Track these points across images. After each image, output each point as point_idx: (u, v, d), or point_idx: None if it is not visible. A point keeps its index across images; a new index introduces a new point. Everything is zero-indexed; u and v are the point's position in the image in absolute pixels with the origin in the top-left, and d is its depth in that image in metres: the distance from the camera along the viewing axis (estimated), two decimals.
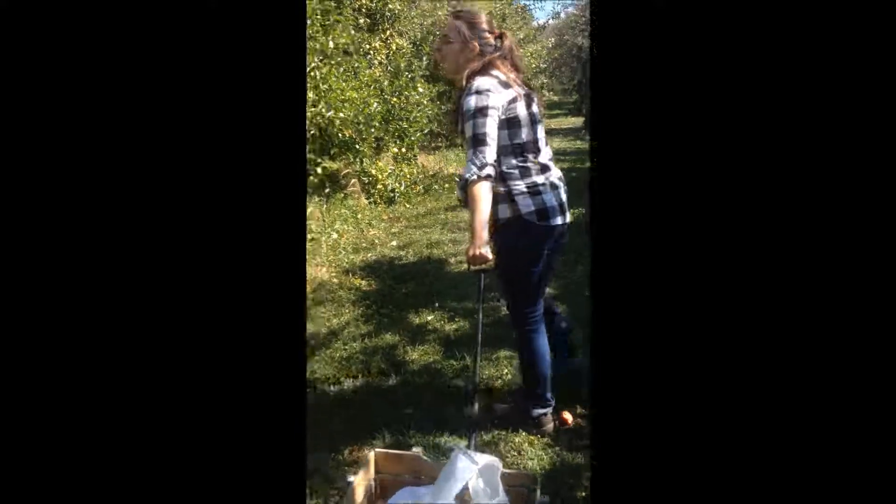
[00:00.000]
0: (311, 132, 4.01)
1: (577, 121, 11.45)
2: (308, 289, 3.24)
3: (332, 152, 4.76)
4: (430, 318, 2.79)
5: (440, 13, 7.59)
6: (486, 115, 1.51)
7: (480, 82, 1.55)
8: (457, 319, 2.74)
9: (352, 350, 2.47)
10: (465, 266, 1.61)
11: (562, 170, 1.77)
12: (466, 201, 1.54)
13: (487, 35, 1.64)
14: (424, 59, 7.05)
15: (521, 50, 9.88)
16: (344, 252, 3.90)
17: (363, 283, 3.33)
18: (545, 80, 11.11)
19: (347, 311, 2.92)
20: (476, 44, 1.61)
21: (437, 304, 2.92)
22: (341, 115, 4.44)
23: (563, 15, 11.03)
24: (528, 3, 10.40)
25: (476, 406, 1.69)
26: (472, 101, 1.52)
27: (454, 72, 1.65)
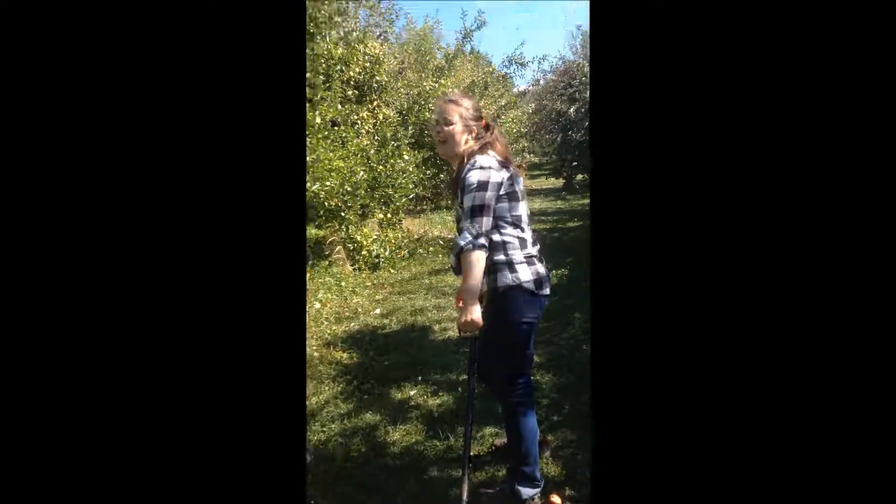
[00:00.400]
0: None
1: (557, 182, 11.74)
2: None
3: (317, 221, 4.79)
4: (412, 392, 2.72)
5: (426, 84, 7.89)
6: (486, 189, 1.62)
7: (482, 160, 1.67)
8: (440, 394, 2.68)
9: (330, 432, 2.39)
10: (454, 333, 1.62)
11: (544, 229, 1.84)
12: (459, 268, 1.64)
13: (479, 120, 1.78)
14: (410, 127, 7.26)
15: (504, 116, 10.25)
16: (326, 322, 3.85)
17: (345, 356, 3.26)
18: (526, 144, 11.44)
19: (327, 388, 2.85)
20: (474, 127, 1.75)
21: (420, 378, 2.86)
22: (328, 184, 4.50)
23: (542, 82, 11.48)
24: (508, 71, 10.79)
25: (466, 494, 1.64)
26: (475, 176, 1.63)
27: (453, 152, 1.76)
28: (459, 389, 2.64)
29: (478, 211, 1.61)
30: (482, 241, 1.59)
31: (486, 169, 1.64)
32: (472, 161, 1.68)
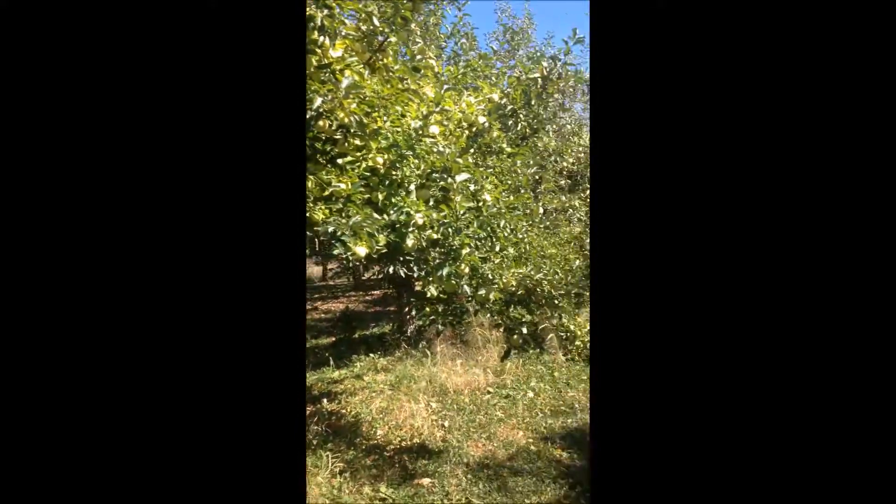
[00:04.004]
0: (519, 292, 4.00)
1: None
2: (504, 453, 2.98)
3: (531, 307, 4.70)
4: None
5: None
6: None
7: None
8: None
9: None
10: None
11: None
12: None
13: None
14: None
15: None
16: (542, 415, 3.61)
17: (564, 454, 2.96)
18: None
19: (549, 488, 2.57)
20: None
21: None
22: (543, 275, 4.43)
23: None
24: None
25: None
26: None
27: None
28: None
29: None
30: None
31: None
32: None
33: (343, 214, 2.24)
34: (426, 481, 2.69)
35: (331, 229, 2.18)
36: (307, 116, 2.23)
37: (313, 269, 12.63)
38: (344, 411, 3.73)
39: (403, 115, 2.68)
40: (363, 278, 9.99)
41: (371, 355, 5.01)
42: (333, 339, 6.16)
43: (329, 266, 11.36)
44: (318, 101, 2.18)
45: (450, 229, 2.59)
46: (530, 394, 3.95)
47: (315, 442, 3.14)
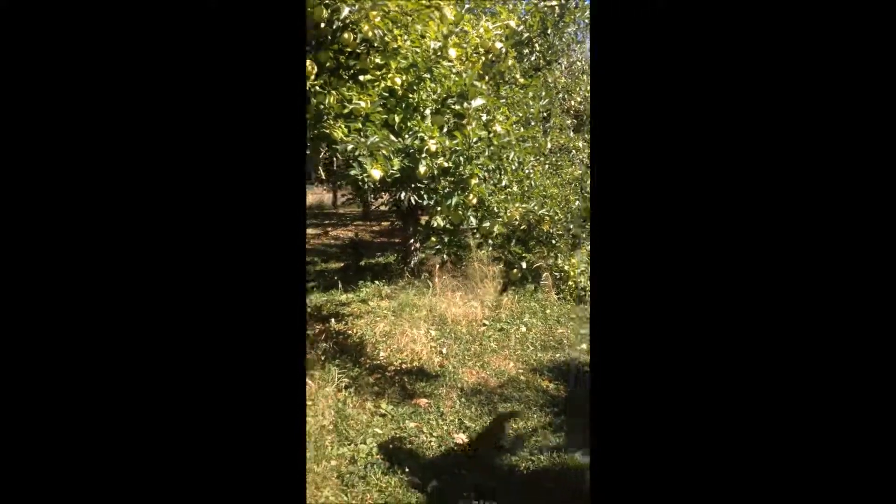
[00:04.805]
0: (522, 227, 4.18)
1: None
2: (496, 381, 3.28)
3: (530, 244, 4.89)
4: None
5: None
6: None
7: None
8: None
9: (539, 462, 2.39)
10: None
11: None
12: None
13: None
14: None
15: None
16: (532, 348, 3.89)
17: (551, 386, 3.26)
18: None
19: (535, 415, 2.87)
20: None
21: None
22: (546, 211, 4.57)
23: None
24: None
25: None
26: None
27: None
28: None
29: None
30: None
31: None
32: None
33: (362, 134, 2.33)
34: (423, 401, 2.99)
35: (350, 147, 2.28)
36: (333, 27, 2.28)
37: (324, 196, 12.76)
38: (350, 332, 4.02)
39: (423, 36, 2.70)
40: (371, 208, 10.13)
41: (376, 282, 5.26)
42: (342, 264, 6.41)
43: (340, 193, 11.46)
44: (345, 11, 2.22)
45: (461, 158, 2.67)
46: (523, 328, 4.22)
47: (324, 357, 3.44)
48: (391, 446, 2.54)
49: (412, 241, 5.80)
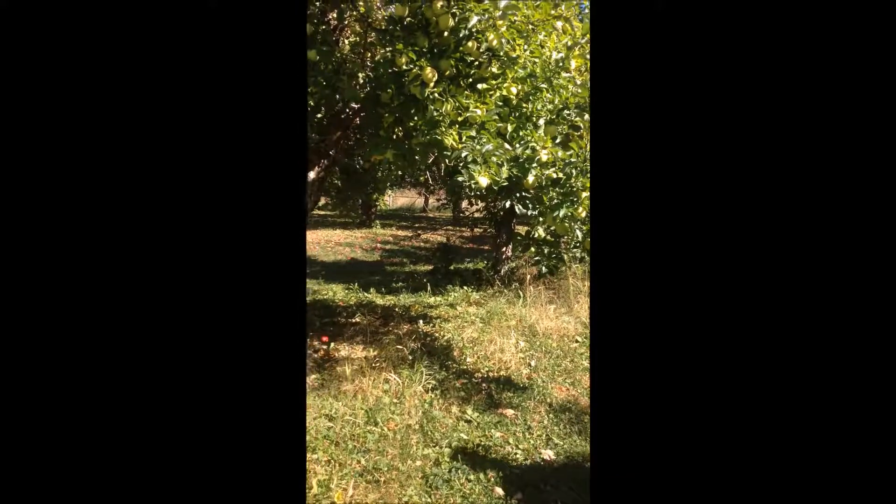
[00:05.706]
0: None
1: None
2: (587, 401, 3.12)
3: None
4: None
5: None
6: None
7: None
8: None
9: None
10: None
11: None
12: None
13: None
14: None
15: None
16: None
17: None
18: None
19: None
20: None
21: None
22: None
23: None
24: None
25: None
26: None
27: None
28: None
29: None
30: None
31: None
32: None
33: (476, 141, 2.33)
34: (510, 412, 2.90)
35: (465, 153, 2.29)
36: (459, 35, 2.31)
37: (417, 200, 13.04)
38: (437, 335, 4.01)
39: (543, 46, 2.67)
40: (462, 214, 10.24)
41: (465, 287, 5.25)
42: (431, 267, 6.47)
43: (434, 197, 11.70)
44: (473, 20, 2.24)
45: (574, 170, 2.61)
46: None
47: (412, 357, 3.45)
48: (476, 453, 2.48)
49: (504, 248, 5.73)
